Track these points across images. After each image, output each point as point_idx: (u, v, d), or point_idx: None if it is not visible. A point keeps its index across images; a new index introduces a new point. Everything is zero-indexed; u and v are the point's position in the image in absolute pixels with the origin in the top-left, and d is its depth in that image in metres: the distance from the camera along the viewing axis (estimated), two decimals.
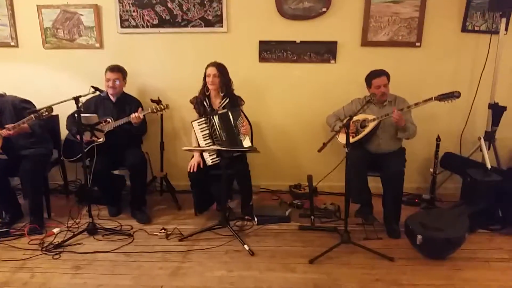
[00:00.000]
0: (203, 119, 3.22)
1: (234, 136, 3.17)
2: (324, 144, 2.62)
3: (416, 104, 3.01)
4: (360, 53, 3.72)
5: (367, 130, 3.15)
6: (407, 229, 2.91)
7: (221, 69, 3.25)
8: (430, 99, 2.99)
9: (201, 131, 3.19)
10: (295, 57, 3.76)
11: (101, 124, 3.26)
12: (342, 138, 3.28)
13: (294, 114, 3.90)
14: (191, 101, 3.40)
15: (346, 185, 2.83)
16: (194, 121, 3.23)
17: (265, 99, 3.88)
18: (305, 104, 3.87)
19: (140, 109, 3.34)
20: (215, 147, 2.97)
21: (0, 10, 3.79)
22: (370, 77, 3.21)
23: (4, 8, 3.79)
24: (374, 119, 3.13)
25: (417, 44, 3.68)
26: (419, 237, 2.74)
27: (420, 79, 3.74)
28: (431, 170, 3.54)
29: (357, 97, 3.45)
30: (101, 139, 3.24)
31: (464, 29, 3.64)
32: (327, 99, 3.78)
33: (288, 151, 4.01)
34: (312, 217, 3.24)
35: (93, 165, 3.22)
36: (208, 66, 3.28)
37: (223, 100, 3.32)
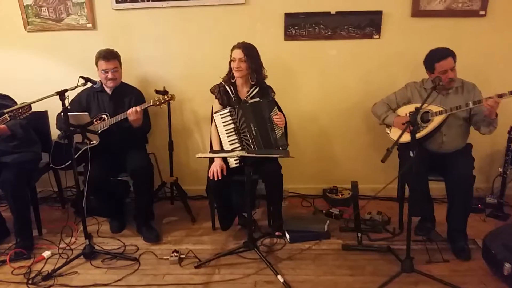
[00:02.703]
0: (227, 110, 2.63)
1: (267, 131, 2.62)
2: (389, 151, 1.96)
3: (500, 96, 2.31)
4: (410, 26, 3.05)
5: (432, 125, 2.48)
6: (487, 253, 2.28)
7: (249, 52, 2.65)
8: None
9: (225, 125, 2.63)
10: (330, 33, 3.09)
11: (95, 123, 2.65)
12: (395, 134, 2.65)
13: (328, 103, 3.26)
14: (211, 90, 2.80)
15: (410, 198, 2.21)
16: (216, 113, 2.66)
17: (292, 86, 3.23)
18: (342, 90, 3.22)
19: (133, 111, 2.69)
20: (237, 153, 2.34)
21: None
22: (432, 60, 2.52)
23: None
24: (441, 112, 2.46)
25: (482, 12, 2.98)
26: (508, 266, 2.11)
27: (485, 56, 3.05)
28: (500, 169, 2.89)
29: (409, 80, 2.78)
30: (94, 141, 2.63)
31: None
32: (369, 84, 3.16)
33: (320, 147, 3.38)
34: (359, 234, 2.62)
35: (87, 172, 2.62)
36: (233, 48, 2.68)
37: (252, 89, 2.73)
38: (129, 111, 2.66)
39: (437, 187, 2.70)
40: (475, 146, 2.79)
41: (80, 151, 2.70)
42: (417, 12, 3.00)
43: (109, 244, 2.78)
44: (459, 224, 2.53)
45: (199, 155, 2.33)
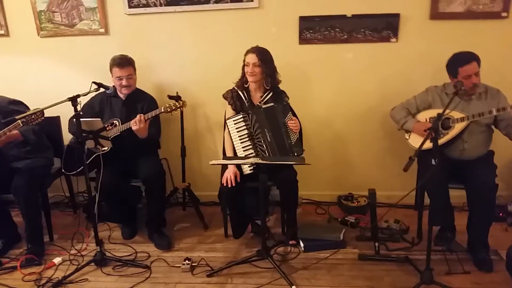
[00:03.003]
0: (240, 116, 2.59)
1: (281, 136, 2.56)
2: (411, 159, 1.88)
3: None
4: (429, 28, 2.94)
5: (452, 132, 2.38)
6: (511, 265, 2.17)
7: (264, 57, 2.59)
8: None
9: (238, 131, 2.59)
10: (346, 36, 3.00)
11: (107, 129, 2.62)
12: (415, 140, 2.56)
13: (344, 108, 3.16)
14: (224, 96, 2.75)
15: (431, 207, 2.12)
16: (229, 118, 2.62)
17: (307, 90, 3.15)
18: (358, 95, 3.12)
19: (139, 116, 2.62)
20: (252, 160, 2.29)
21: None
22: (456, 64, 2.41)
23: None
24: (462, 119, 2.36)
25: (504, 14, 2.86)
26: None
27: (508, 60, 2.92)
28: None
29: (427, 84, 2.68)
30: (106, 148, 2.60)
31: None
32: (387, 88, 3.06)
33: (336, 153, 3.29)
34: (377, 244, 2.53)
35: (100, 178, 2.59)
36: (247, 52, 2.63)
37: (266, 94, 2.68)
38: (132, 121, 2.59)
39: (456, 195, 2.58)
40: (497, 152, 2.68)
41: (92, 157, 2.67)
42: (436, 14, 2.90)
43: (121, 250, 2.74)
44: (480, 234, 2.43)
45: (213, 162, 2.27)
